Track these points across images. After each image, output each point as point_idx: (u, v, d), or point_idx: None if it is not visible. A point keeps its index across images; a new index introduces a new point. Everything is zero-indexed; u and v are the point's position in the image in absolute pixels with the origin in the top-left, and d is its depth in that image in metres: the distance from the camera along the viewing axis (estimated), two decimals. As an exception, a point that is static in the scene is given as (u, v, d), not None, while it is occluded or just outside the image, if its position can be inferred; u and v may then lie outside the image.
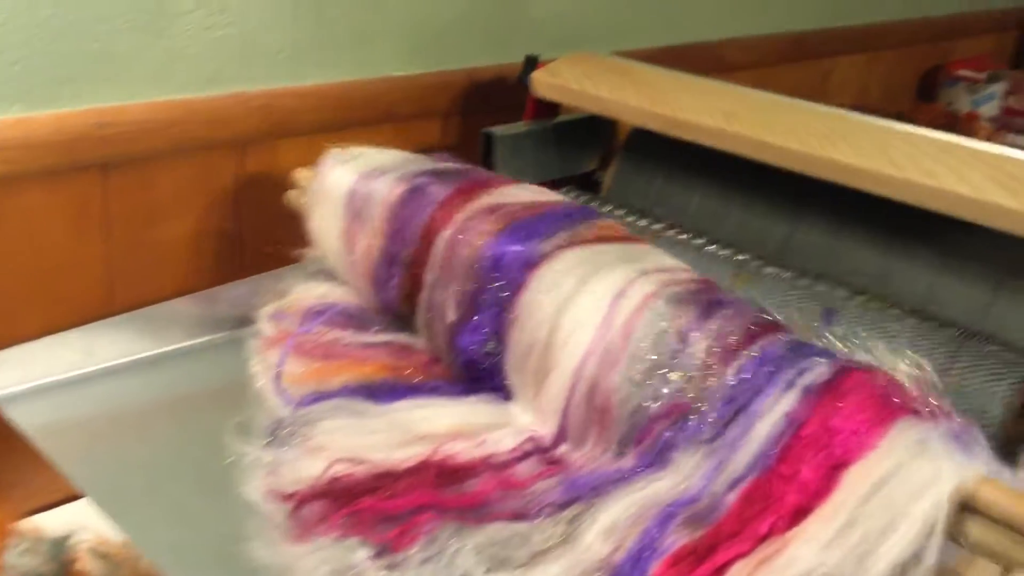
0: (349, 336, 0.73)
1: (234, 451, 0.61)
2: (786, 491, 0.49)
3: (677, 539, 0.51)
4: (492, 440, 0.62)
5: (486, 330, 0.65)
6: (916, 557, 0.45)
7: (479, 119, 0.97)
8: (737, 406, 0.53)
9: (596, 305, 0.60)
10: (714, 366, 0.55)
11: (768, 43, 1.39)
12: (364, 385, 0.67)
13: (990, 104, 1.65)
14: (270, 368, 0.69)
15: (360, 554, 0.52)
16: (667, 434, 0.56)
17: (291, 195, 0.82)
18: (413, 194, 0.72)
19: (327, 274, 0.78)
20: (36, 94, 0.75)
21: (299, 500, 0.56)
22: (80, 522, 0.73)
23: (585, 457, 0.60)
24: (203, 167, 0.86)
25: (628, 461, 0.57)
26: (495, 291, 0.65)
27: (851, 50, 1.59)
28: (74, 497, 0.75)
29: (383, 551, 0.52)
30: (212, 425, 0.63)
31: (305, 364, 0.69)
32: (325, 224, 0.77)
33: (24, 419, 0.67)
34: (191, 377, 0.75)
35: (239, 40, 0.85)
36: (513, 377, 0.65)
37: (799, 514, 0.48)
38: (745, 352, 0.55)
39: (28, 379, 0.71)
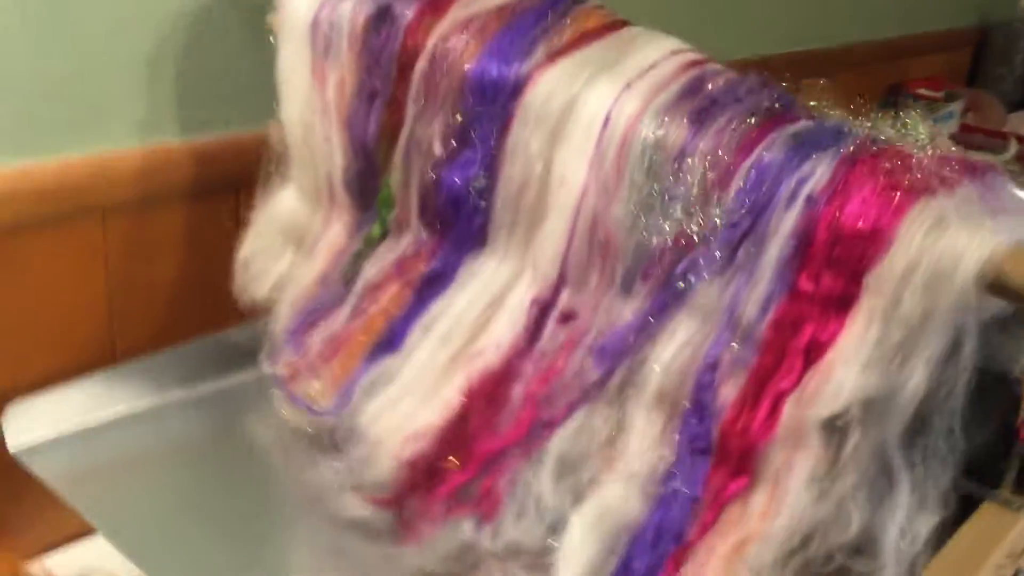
0: (333, 322, 0.71)
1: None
2: (812, 312, 0.48)
3: (726, 392, 0.51)
4: (504, 330, 0.61)
5: (475, 165, 0.63)
6: (956, 347, 0.45)
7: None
8: (742, 230, 0.52)
9: (586, 137, 0.58)
10: (712, 189, 0.54)
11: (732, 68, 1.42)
12: (372, 352, 0.67)
13: (950, 122, 1.70)
14: (293, 398, 0.70)
15: (466, 529, 0.55)
16: (678, 268, 0.55)
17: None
18: (380, 18, 0.66)
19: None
20: (40, 142, 0.77)
21: (395, 501, 0.59)
22: (92, 563, 0.74)
23: (594, 302, 0.59)
24: (201, 209, 0.88)
25: (639, 300, 0.57)
26: (483, 123, 0.62)
27: (813, 73, 1.63)
28: (84, 537, 0.76)
29: (480, 520, 0.54)
30: (224, 469, 0.65)
31: (323, 371, 0.70)
32: (291, 65, 0.71)
33: (45, 469, 0.69)
34: (198, 424, 0.77)
35: (233, 84, 0.87)
36: (502, 216, 0.63)
37: (832, 333, 0.48)
38: (743, 167, 0.53)
39: (47, 429, 0.73)
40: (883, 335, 0.47)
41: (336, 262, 0.73)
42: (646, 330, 0.56)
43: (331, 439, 0.66)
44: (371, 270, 0.70)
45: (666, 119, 0.56)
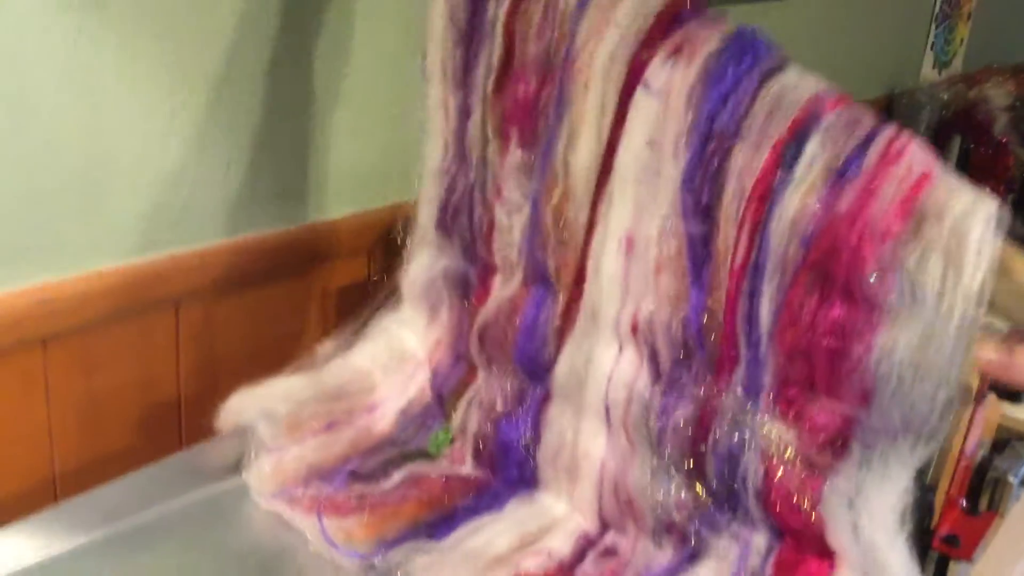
0: (367, 489, 0.77)
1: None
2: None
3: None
4: (554, 548, 0.72)
5: (525, 426, 0.78)
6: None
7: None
8: (730, 466, 0.65)
9: (598, 408, 0.72)
10: (697, 446, 0.67)
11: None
12: (416, 526, 0.73)
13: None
14: (313, 530, 0.73)
15: None
16: (692, 526, 0.68)
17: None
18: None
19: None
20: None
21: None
22: None
23: (632, 545, 0.71)
24: (140, 329, 0.88)
25: (668, 553, 0.69)
26: (530, 392, 0.79)
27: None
28: None
29: None
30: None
31: (352, 521, 0.73)
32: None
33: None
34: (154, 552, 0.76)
35: (177, 206, 0.88)
36: (546, 471, 0.77)
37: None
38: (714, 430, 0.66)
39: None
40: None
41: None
42: (676, 570, 0.67)
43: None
44: (424, 469, 0.81)
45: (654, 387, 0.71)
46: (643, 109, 0.65)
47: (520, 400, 0.79)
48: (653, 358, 0.68)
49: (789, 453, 0.62)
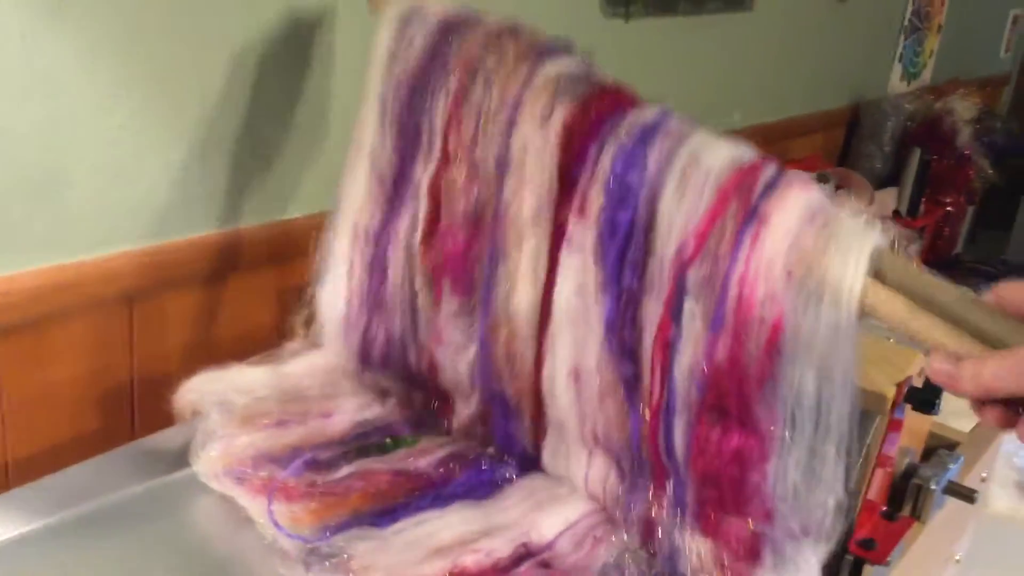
0: (317, 477, 0.79)
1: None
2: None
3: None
4: (494, 548, 0.74)
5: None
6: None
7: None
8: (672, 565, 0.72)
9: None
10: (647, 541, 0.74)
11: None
12: (360, 515, 0.76)
13: (822, 202, 1.81)
14: (260, 512, 0.75)
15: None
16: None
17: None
18: None
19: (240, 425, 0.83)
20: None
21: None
22: None
23: (573, 566, 0.74)
24: (94, 323, 0.90)
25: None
26: None
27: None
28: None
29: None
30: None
31: (299, 506, 0.75)
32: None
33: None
34: (102, 540, 0.76)
35: (131, 201, 0.90)
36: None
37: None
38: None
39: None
40: None
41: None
42: None
43: (307, 556, 0.72)
44: (375, 465, 0.82)
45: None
46: (568, 262, 0.72)
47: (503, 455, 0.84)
48: (617, 463, 0.76)
49: (710, 563, 0.70)
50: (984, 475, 0.98)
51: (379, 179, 0.83)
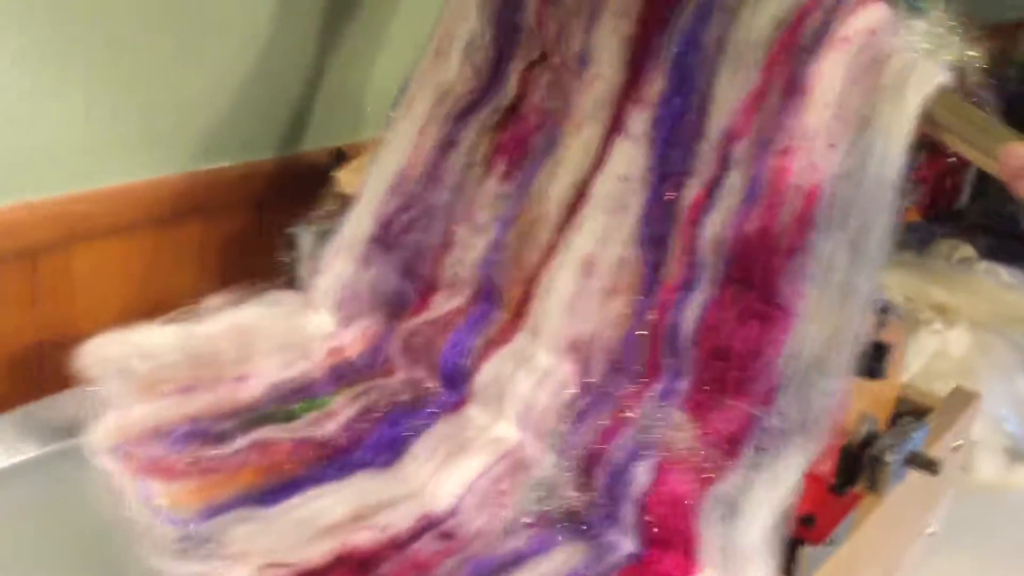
0: (207, 452, 0.73)
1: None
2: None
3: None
4: (391, 523, 0.68)
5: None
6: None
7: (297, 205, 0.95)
8: (620, 476, 0.67)
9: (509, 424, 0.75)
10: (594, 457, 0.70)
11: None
12: (248, 493, 0.69)
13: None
14: (136, 494, 0.69)
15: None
16: (558, 526, 0.67)
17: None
18: None
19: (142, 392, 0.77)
20: None
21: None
22: None
23: (479, 530, 0.68)
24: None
25: (519, 542, 0.66)
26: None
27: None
28: None
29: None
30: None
31: (179, 485, 0.69)
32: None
33: None
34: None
35: (28, 149, 0.83)
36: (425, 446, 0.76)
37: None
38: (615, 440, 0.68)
39: None
40: None
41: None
42: (520, 561, 0.64)
43: (180, 542, 0.65)
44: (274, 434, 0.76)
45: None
46: (620, 149, 0.74)
47: (426, 399, 0.78)
48: (584, 373, 0.73)
49: (684, 451, 0.66)
50: (957, 443, 0.90)
51: (473, 68, 0.85)
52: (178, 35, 0.89)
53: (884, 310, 0.78)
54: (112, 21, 0.84)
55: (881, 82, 0.61)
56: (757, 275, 0.64)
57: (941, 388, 1.20)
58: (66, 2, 0.81)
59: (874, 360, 0.66)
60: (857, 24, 0.63)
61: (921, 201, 1.91)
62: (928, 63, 0.61)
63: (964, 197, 2.47)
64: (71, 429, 0.75)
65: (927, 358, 1.31)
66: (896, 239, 0.63)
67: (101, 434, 0.73)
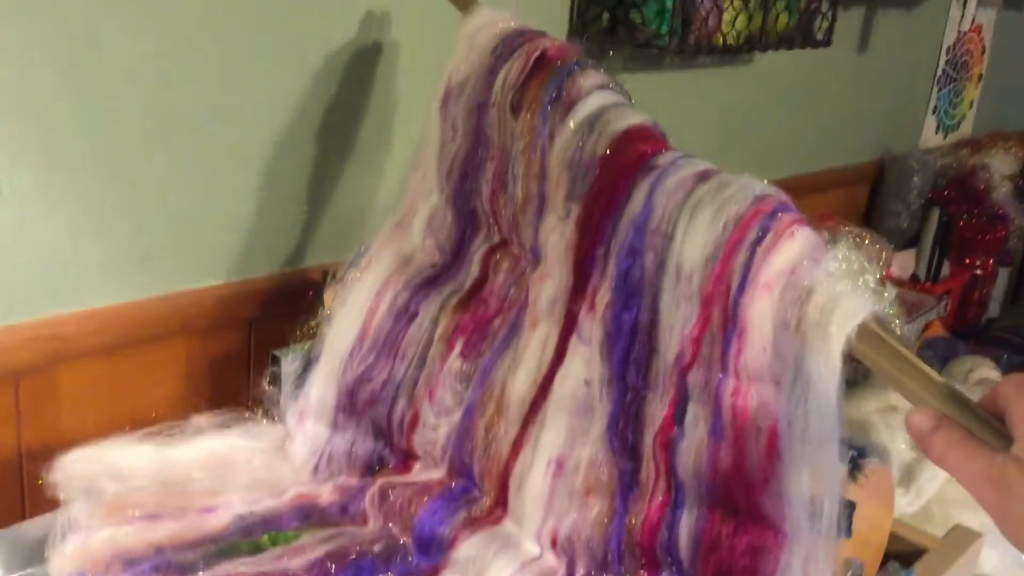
0: None
1: None
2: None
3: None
4: None
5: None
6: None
7: (287, 323, 0.95)
8: None
9: None
10: None
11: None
12: None
13: (833, 266, 1.70)
14: None
15: None
16: None
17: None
18: None
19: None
20: None
21: None
22: None
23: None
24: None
25: None
26: None
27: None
28: None
29: None
30: None
31: None
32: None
33: None
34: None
35: (16, 273, 0.84)
36: None
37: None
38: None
39: None
40: None
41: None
42: None
43: None
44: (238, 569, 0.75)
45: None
46: (578, 352, 0.74)
47: (398, 556, 0.77)
48: (570, 569, 0.74)
49: None
50: (955, 587, 0.86)
51: (437, 244, 0.86)
52: (171, 155, 0.91)
53: (856, 466, 0.76)
54: (101, 142, 0.86)
55: (807, 318, 0.61)
56: (741, 501, 0.66)
57: (957, 516, 1.16)
58: (53, 124, 0.83)
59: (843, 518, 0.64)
60: (778, 265, 0.62)
61: (946, 314, 1.87)
62: (850, 298, 0.60)
63: (995, 306, 2.42)
64: (40, 554, 0.74)
65: (941, 483, 1.26)
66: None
67: (66, 559, 0.73)
